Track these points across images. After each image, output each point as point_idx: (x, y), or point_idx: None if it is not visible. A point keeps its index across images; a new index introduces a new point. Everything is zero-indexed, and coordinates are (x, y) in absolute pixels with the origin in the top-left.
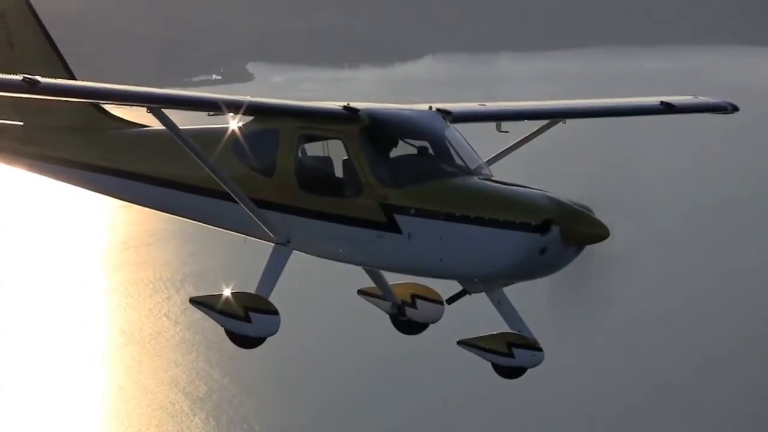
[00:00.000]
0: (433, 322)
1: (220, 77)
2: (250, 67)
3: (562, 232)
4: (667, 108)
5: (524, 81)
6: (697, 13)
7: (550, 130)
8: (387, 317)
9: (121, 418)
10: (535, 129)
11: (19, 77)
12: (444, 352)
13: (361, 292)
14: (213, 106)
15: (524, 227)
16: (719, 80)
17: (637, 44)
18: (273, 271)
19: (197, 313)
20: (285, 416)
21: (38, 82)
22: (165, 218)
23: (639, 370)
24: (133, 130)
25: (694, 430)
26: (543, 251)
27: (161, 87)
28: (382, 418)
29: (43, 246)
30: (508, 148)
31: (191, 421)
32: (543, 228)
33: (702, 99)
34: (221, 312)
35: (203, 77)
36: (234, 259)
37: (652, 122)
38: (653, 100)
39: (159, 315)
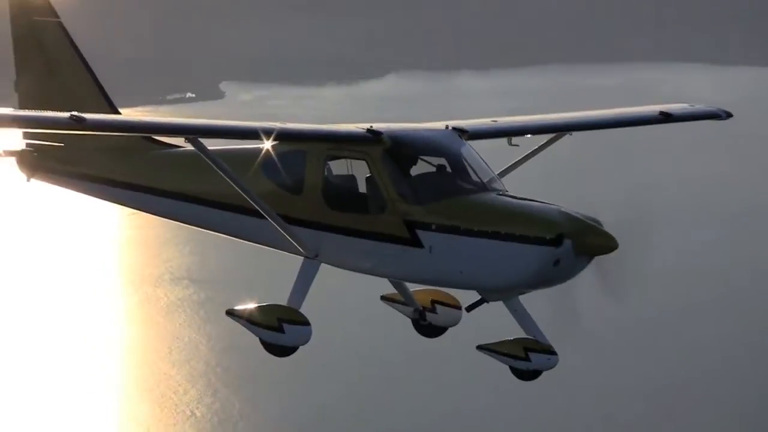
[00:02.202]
0: (451, 326)
1: (194, 95)
2: (223, 86)
3: (574, 244)
4: (665, 117)
5: (483, 96)
6: (640, 33)
7: (557, 142)
8: (408, 321)
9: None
10: (543, 142)
11: (66, 115)
12: (464, 356)
13: (384, 298)
14: (251, 134)
15: (539, 241)
16: (663, 94)
17: (586, 62)
18: (303, 283)
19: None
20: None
21: (85, 119)
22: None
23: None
24: (169, 151)
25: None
26: (557, 263)
27: (137, 105)
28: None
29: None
30: (519, 161)
31: None
32: (556, 241)
33: (698, 108)
34: (257, 323)
35: (177, 95)
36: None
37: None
38: (652, 109)
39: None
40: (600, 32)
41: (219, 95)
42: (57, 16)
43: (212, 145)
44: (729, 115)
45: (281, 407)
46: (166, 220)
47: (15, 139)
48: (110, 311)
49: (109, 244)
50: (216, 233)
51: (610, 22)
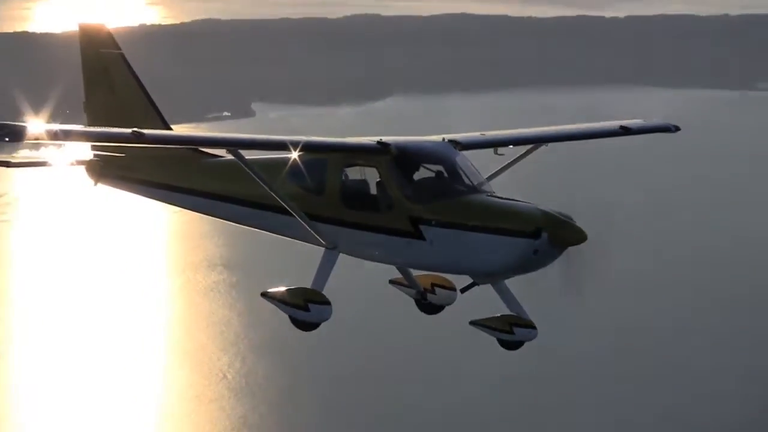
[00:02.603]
0: (448, 305)
1: (229, 114)
2: (254, 106)
3: (549, 237)
4: (625, 131)
5: (471, 114)
6: (598, 60)
7: (535, 152)
8: (412, 301)
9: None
10: (524, 151)
11: (129, 131)
12: (460, 331)
13: (391, 281)
14: (281, 146)
15: (521, 234)
16: (618, 112)
17: (556, 85)
18: (324, 270)
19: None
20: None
21: (144, 134)
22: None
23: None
24: (212, 160)
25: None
26: (536, 252)
27: (182, 122)
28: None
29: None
30: (503, 167)
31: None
32: (535, 234)
33: (652, 122)
34: (287, 303)
35: (215, 114)
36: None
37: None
38: (614, 124)
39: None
40: (565, 61)
41: (251, 114)
42: (119, 48)
43: (248, 155)
44: (677, 129)
45: (300, 373)
46: (207, 216)
47: (84, 150)
48: (158, 291)
49: (158, 237)
50: (250, 228)
51: (571, 51)
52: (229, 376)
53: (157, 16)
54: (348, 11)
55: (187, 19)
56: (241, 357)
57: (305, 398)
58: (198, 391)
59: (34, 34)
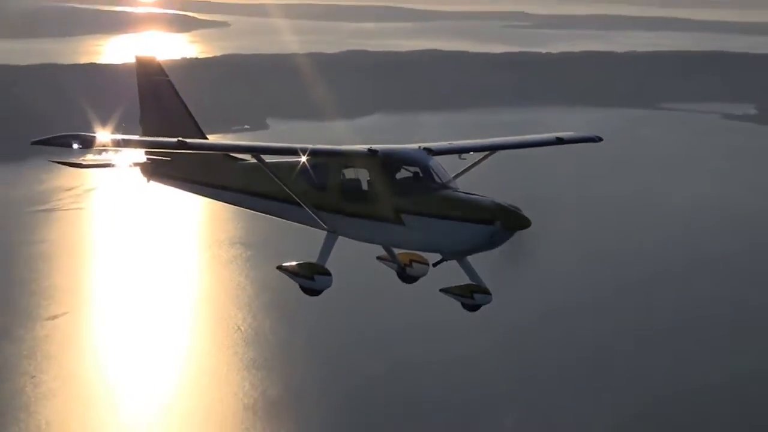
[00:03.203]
0: (422, 276)
1: (248, 127)
2: (268, 120)
3: (502, 224)
4: (559, 141)
5: (439, 128)
6: (537, 86)
7: (491, 157)
8: (393, 273)
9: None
10: (481, 157)
11: (175, 140)
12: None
13: (378, 258)
14: (293, 152)
15: (479, 221)
16: (553, 127)
17: (505, 105)
18: (327, 248)
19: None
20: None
21: (187, 142)
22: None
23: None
24: (239, 162)
25: None
26: (492, 236)
27: (212, 132)
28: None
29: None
30: (466, 169)
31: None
32: (491, 222)
33: (580, 134)
34: (297, 274)
35: (238, 127)
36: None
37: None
38: (551, 136)
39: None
40: (512, 86)
41: (265, 127)
42: (167, 76)
43: (267, 158)
44: (600, 139)
45: (298, 327)
46: (233, 206)
47: (139, 155)
48: (191, 263)
49: (192, 221)
50: (267, 215)
51: (516, 79)
52: (243, 329)
53: (195, 51)
54: (343, 47)
55: (218, 54)
56: (252, 314)
57: (302, 347)
58: (218, 340)
59: (101, 65)
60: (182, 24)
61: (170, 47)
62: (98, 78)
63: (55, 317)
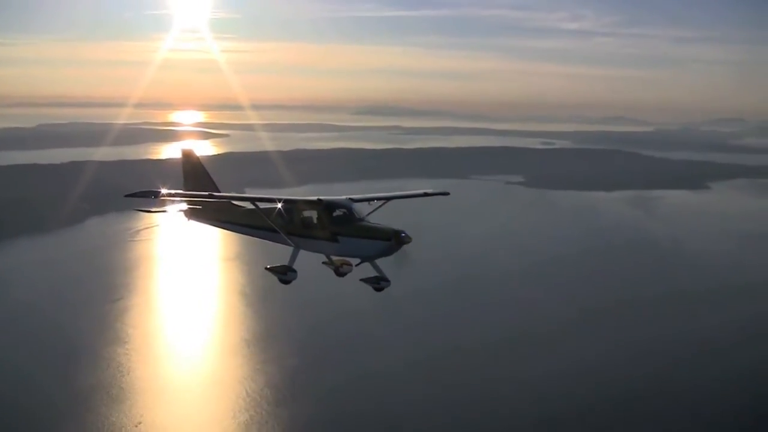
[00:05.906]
0: (349, 273)
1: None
2: (246, 189)
3: (395, 240)
4: (426, 194)
5: (351, 191)
6: (400, 166)
7: (386, 203)
8: (331, 272)
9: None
10: (380, 204)
11: (206, 193)
12: (354, 286)
13: (323, 262)
14: (273, 201)
15: (383, 239)
16: (424, 187)
17: (399, 177)
18: (293, 257)
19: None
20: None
21: (213, 195)
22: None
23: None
24: (242, 208)
25: None
26: (390, 248)
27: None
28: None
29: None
30: (373, 210)
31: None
32: (389, 239)
33: (437, 190)
34: (276, 271)
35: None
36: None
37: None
38: (421, 191)
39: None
40: (385, 168)
41: (244, 191)
42: (199, 160)
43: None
44: (447, 193)
45: (281, 303)
46: (238, 234)
47: (182, 205)
48: (212, 269)
49: (214, 245)
50: (258, 239)
51: (388, 163)
52: (244, 303)
53: (210, 150)
54: (298, 146)
55: (222, 152)
56: (247, 301)
57: (288, 317)
58: (228, 310)
59: (155, 160)
60: (202, 134)
61: (194, 147)
62: (154, 167)
63: (119, 299)
